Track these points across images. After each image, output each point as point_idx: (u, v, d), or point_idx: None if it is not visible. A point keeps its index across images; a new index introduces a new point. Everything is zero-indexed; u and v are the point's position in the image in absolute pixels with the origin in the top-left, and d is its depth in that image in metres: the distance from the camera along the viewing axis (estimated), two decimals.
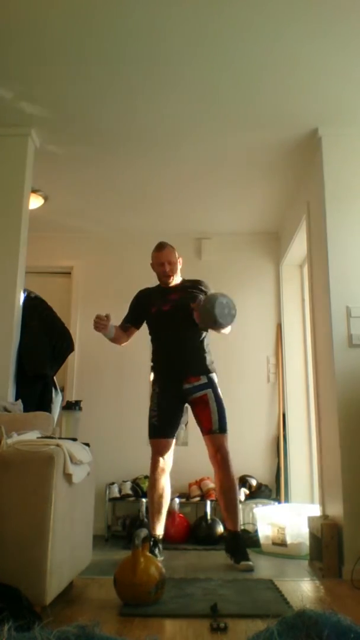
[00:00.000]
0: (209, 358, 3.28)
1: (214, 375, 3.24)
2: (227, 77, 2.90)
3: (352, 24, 2.53)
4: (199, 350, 3.26)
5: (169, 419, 3.22)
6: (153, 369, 3.39)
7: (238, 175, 3.91)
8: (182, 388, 3.19)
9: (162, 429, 3.20)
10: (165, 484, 3.18)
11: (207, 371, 3.22)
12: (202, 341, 3.28)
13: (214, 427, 3.12)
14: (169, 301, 3.30)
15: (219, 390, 3.20)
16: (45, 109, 3.16)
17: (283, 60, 2.77)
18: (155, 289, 3.44)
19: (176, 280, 3.38)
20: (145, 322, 3.39)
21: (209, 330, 3.27)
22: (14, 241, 3.23)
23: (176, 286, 3.37)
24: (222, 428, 3.13)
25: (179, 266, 3.39)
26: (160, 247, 3.38)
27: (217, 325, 3.09)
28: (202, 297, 3.25)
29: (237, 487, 3.18)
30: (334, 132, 3.30)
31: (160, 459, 3.18)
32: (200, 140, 3.48)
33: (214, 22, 2.52)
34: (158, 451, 3.19)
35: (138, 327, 3.41)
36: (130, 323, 3.39)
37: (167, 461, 3.19)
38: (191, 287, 3.36)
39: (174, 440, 3.24)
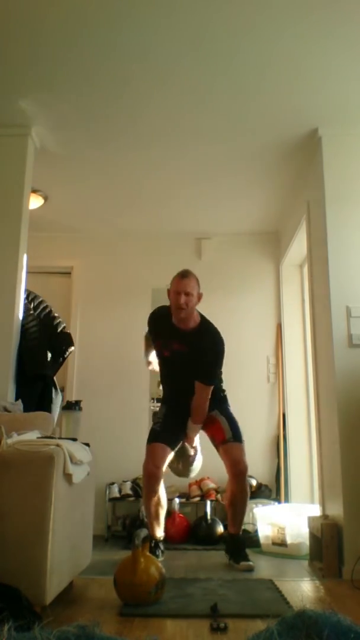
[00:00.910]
0: (218, 394, 3.17)
1: (222, 395, 3.21)
2: (227, 78, 2.90)
3: (352, 24, 2.53)
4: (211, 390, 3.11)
5: (173, 429, 3.15)
6: (163, 390, 3.35)
7: (238, 175, 3.91)
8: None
9: (163, 435, 3.13)
10: (160, 491, 3.08)
11: (218, 404, 3.17)
12: (216, 382, 3.15)
13: (227, 435, 3.06)
14: (183, 343, 3.07)
15: (228, 406, 3.18)
16: (45, 109, 3.16)
17: (283, 60, 2.77)
18: (167, 319, 3.12)
19: (190, 320, 3.07)
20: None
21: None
22: (14, 241, 3.23)
23: (189, 331, 3.08)
24: (237, 436, 3.08)
25: (197, 302, 3.06)
26: (184, 274, 3.06)
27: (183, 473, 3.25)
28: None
29: (248, 498, 3.12)
30: (334, 132, 3.30)
31: (152, 466, 3.02)
32: (200, 140, 3.48)
33: (214, 21, 2.52)
34: (152, 456, 3.05)
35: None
36: (152, 339, 3.28)
37: (160, 468, 3.05)
38: (202, 342, 3.04)
39: (170, 451, 3.11)
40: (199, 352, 3.02)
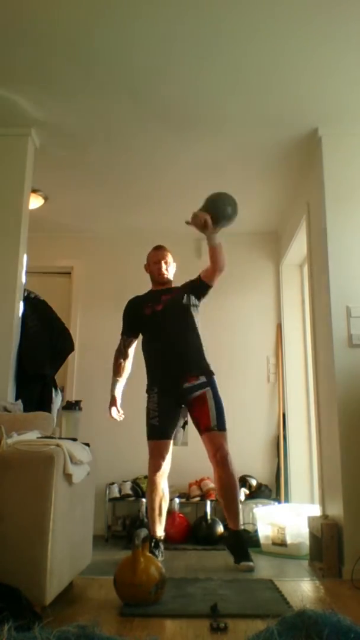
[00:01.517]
0: (205, 361, 3.25)
1: (214, 378, 3.22)
2: (228, 78, 2.90)
3: (352, 25, 2.53)
4: (197, 347, 3.25)
5: (169, 420, 3.19)
6: (149, 374, 3.33)
7: (238, 175, 3.91)
8: (181, 387, 3.16)
9: (162, 429, 3.17)
10: (164, 486, 3.16)
11: (206, 370, 3.21)
12: (199, 338, 3.28)
13: (212, 423, 3.08)
14: (162, 301, 3.33)
15: (218, 391, 3.18)
16: (46, 109, 3.16)
17: (283, 61, 2.77)
18: (146, 294, 3.47)
19: (168, 284, 3.44)
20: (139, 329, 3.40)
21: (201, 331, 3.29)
22: (14, 241, 3.23)
23: (168, 288, 3.41)
24: (221, 426, 3.10)
25: (173, 270, 3.45)
26: (158, 247, 3.48)
27: (222, 216, 3.11)
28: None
29: (238, 485, 3.14)
30: (334, 132, 3.30)
31: (161, 461, 3.14)
32: (200, 140, 3.48)
33: (215, 23, 2.52)
34: (159, 453, 3.15)
35: (137, 335, 3.43)
36: (128, 335, 3.43)
37: (167, 463, 3.16)
38: (182, 286, 3.40)
39: (171, 442, 3.20)
40: (183, 289, 3.34)
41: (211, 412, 3.10)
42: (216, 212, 3.11)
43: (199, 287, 3.32)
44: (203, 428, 3.12)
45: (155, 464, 3.15)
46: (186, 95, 3.04)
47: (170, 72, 2.85)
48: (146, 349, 3.38)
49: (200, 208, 3.14)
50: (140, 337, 3.44)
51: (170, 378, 3.21)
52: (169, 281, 3.44)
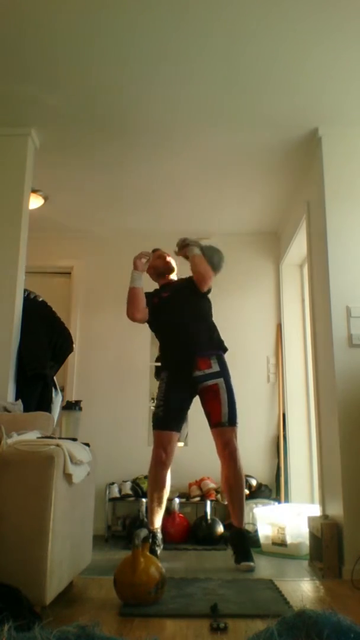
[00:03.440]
0: (217, 334, 3.29)
1: (224, 358, 3.21)
2: (227, 78, 2.90)
3: (352, 24, 2.53)
4: (206, 327, 3.29)
5: (176, 411, 3.19)
6: (161, 357, 3.39)
7: (238, 175, 3.91)
8: (192, 375, 3.15)
9: (167, 420, 3.17)
10: (165, 477, 3.15)
11: (217, 345, 3.22)
12: (208, 319, 3.33)
13: (224, 419, 3.08)
14: (168, 290, 3.45)
15: (230, 378, 3.16)
16: (46, 109, 3.16)
17: (283, 61, 2.77)
18: (153, 290, 3.55)
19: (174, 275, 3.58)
20: (149, 318, 3.41)
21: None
22: (14, 241, 3.23)
23: (174, 281, 3.53)
24: (232, 420, 3.09)
25: (175, 266, 3.58)
26: (157, 248, 3.60)
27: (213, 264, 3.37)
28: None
29: (244, 482, 3.15)
30: (334, 132, 3.31)
31: (162, 452, 3.14)
32: (200, 141, 3.48)
33: (214, 22, 2.52)
34: (160, 443, 3.15)
35: (147, 308, 3.41)
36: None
37: (169, 455, 3.15)
38: (187, 278, 3.47)
39: (178, 435, 3.21)
40: (186, 279, 3.45)
41: (223, 407, 3.09)
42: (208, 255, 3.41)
43: (196, 289, 3.35)
44: (213, 422, 3.11)
45: (156, 454, 3.16)
46: (186, 95, 3.04)
47: (169, 72, 2.85)
48: (158, 334, 3.44)
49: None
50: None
51: (181, 364, 3.19)
52: (174, 270, 3.56)
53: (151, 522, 3.15)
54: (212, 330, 3.30)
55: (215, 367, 3.16)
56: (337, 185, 3.26)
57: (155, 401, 3.26)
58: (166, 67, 2.82)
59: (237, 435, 3.14)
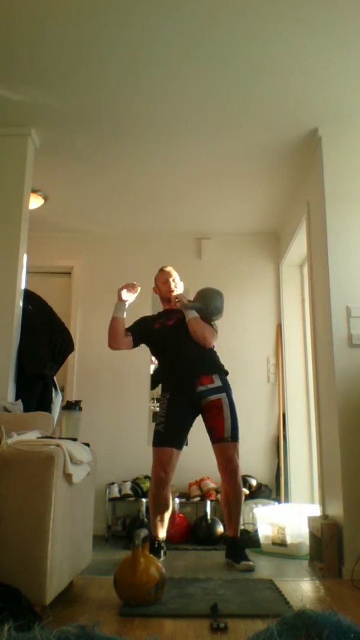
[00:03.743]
0: (219, 360, 3.26)
1: (228, 381, 3.20)
2: (227, 77, 2.90)
3: (352, 24, 2.53)
4: (210, 352, 3.26)
5: (177, 428, 3.15)
6: (163, 381, 3.36)
7: (238, 175, 3.91)
8: (195, 391, 3.14)
9: (167, 437, 3.13)
10: (166, 495, 3.11)
11: (219, 369, 3.20)
12: (211, 349, 3.28)
13: (226, 434, 3.07)
14: (173, 318, 3.35)
15: (232, 395, 3.17)
16: (46, 109, 3.16)
17: (283, 60, 2.77)
18: (157, 314, 3.50)
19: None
20: (145, 343, 3.39)
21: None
22: (14, 241, 3.23)
23: (178, 309, 3.37)
24: (234, 436, 3.09)
25: (181, 289, 3.47)
26: (164, 267, 3.52)
27: (211, 310, 3.28)
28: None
29: (243, 497, 3.14)
30: (334, 132, 3.30)
31: (161, 471, 3.08)
32: (200, 141, 3.48)
33: (214, 21, 2.52)
34: (160, 461, 3.09)
35: (134, 340, 3.36)
36: (130, 331, 3.37)
37: (168, 474, 3.09)
38: None
39: (178, 453, 3.15)
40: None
41: (226, 423, 3.09)
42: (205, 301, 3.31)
43: None
44: (217, 437, 3.10)
45: (155, 473, 3.11)
46: (186, 96, 3.04)
47: (170, 72, 2.85)
48: (159, 359, 3.41)
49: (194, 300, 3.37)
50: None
51: (183, 382, 3.18)
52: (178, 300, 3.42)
53: (155, 534, 3.11)
54: (214, 356, 3.28)
55: (218, 382, 3.16)
56: (337, 185, 3.26)
57: (156, 418, 3.23)
58: (166, 67, 2.82)
59: (239, 450, 3.13)
